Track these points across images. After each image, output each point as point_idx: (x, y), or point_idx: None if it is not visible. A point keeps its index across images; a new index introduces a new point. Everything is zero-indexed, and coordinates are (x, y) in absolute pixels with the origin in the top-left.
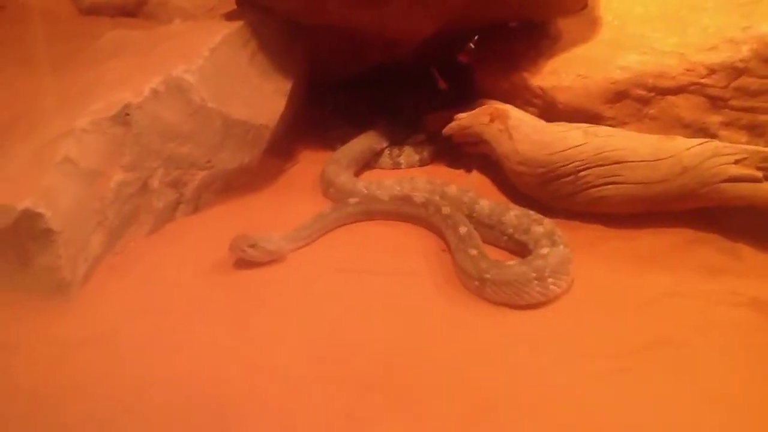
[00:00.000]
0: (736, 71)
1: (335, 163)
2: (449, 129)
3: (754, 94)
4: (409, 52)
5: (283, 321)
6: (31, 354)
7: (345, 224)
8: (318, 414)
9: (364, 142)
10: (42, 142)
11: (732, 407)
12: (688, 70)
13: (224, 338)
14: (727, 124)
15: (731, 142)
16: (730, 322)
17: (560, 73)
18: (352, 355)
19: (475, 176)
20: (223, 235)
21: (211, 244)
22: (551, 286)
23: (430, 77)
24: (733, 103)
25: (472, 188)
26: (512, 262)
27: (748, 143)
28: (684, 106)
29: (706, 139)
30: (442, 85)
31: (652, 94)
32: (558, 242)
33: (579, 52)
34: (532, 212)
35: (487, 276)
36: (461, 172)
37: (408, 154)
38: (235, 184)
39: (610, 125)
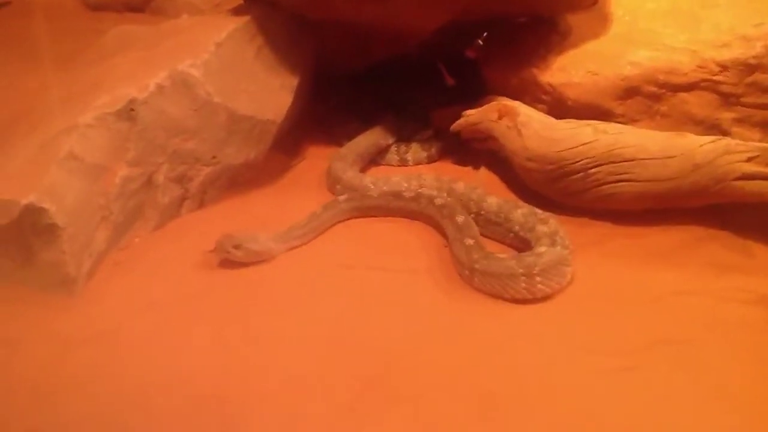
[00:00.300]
0: (749, 68)
1: (342, 159)
2: (457, 125)
3: None
4: (416, 47)
5: (285, 318)
6: (33, 350)
7: (339, 222)
8: (321, 411)
9: (370, 138)
10: (46, 138)
11: (740, 406)
12: (699, 67)
13: (227, 336)
14: (739, 121)
15: (743, 140)
16: (739, 319)
17: (570, 69)
18: (355, 353)
19: (483, 173)
20: (228, 231)
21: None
22: (539, 285)
23: (437, 73)
24: (746, 99)
25: (480, 185)
26: (504, 255)
27: (760, 140)
28: (695, 103)
29: (718, 137)
30: (450, 81)
31: (664, 90)
32: (557, 243)
33: (589, 47)
34: (539, 211)
35: (477, 266)
36: (469, 169)
37: (415, 150)
38: (241, 179)
39: (620, 122)
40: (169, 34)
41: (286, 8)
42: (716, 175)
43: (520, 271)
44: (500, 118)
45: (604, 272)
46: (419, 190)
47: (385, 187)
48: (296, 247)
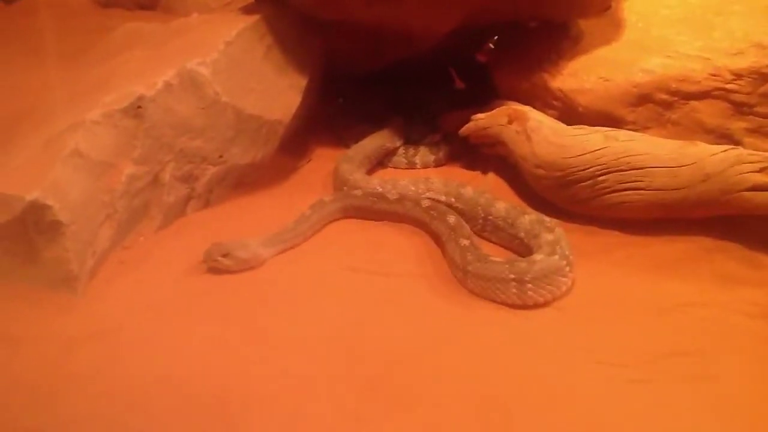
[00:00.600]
0: (763, 77)
1: (349, 161)
2: (466, 129)
3: None
4: (427, 50)
5: (288, 319)
6: (34, 349)
7: (328, 223)
8: (323, 413)
9: (378, 140)
10: (52, 134)
11: (748, 418)
12: (712, 75)
13: (229, 336)
14: (751, 131)
15: (756, 150)
16: (746, 332)
17: (581, 75)
18: (358, 355)
19: (492, 178)
20: (233, 232)
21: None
22: (529, 292)
23: (447, 76)
24: (759, 109)
25: (488, 190)
26: (499, 259)
27: None
28: (707, 112)
29: (729, 146)
30: (460, 84)
31: (675, 98)
32: (556, 252)
33: (601, 54)
34: (547, 219)
35: (470, 268)
36: (477, 173)
37: (423, 153)
38: (247, 180)
39: (631, 129)
40: (179, 32)
41: (296, 8)
42: (727, 186)
43: (512, 276)
44: (510, 122)
45: (611, 281)
46: (403, 192)
47: (393, 191)
48: (287, 250)
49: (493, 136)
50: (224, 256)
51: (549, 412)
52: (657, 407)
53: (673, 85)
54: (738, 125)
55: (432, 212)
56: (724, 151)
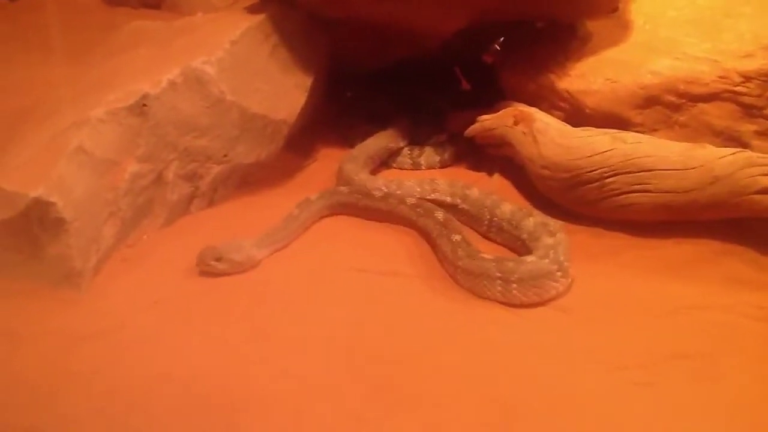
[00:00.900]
0: None
1: (353, 161)
2: (472, 130)
3: None
4: (433, 50)
5: (291, 319)
6: (35, 345)
7: (317, 220)
8: (327, 414)
9: (381, 140)
10: (57, 131)
11: (753, 422)
12: (721, 77)
13: (231, 336)
14: (760, 134)
15: (764, 153)
16: (753, 335)
17: (589, 76)
18: (362, 355)
19: (497, 179)
20: (237, 231)
21: (225, 239)
22: (514, 292)
23: (453, 77)
24: None
25: (495, 191)
26: (489, 256)
27: None
28: (716, 114)
29: (738, 149)
30: (466, 85)
31: (683, 100)
32: (548, 256)
33: (609, 55)
34: (551, 222)
35: (460, 264)
36: (483, 174)
37: (428, 154)
38: (252, 179)
39: (638, 131)
40: (184, 31)
41: (302, 6)
42: (736, 188)
43: (498, 274)
44: (516, 124)
45: (617, 283)
46: (388, 190)
47: (398, 191)
48: (278, 250)
49: (499, 137)
50: (217, 259)
51: (551, 413)
52: (660, 410)
53: (681, 87)
54: (747, 128)
55: (418, 209)
56: (733, 153)
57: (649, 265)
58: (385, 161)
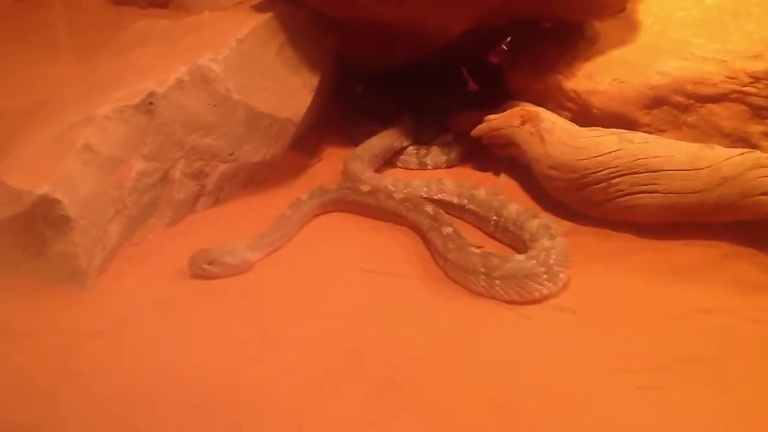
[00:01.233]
0: None
1: (358, 159)
2: (479, 130)
3: None
4: (440, 50)
5: (296, 319)
6: (39, 343)
7: (310, 220)
8: (331, 415)
9: (385, 139)
10: (63, 128)
11: (761, 427)
12: (729, 78)
13: (235, 335)
14: None
15: None
16: (762, 339)
17: (596, 76)
18: (364, 356)
19: (504, 179)
20: (243, 230)
21: (231, 238)
22: (497, 288)
23: (459, 77)
24: None
25: (502, 192)
26: (477, 250)
27: None
28: (724, 115)
29: (746, 149)
30: (472, 85)
31: (692, 101)
32: (538, 258)
33: (616, 55)
34: (554, 226)
35: (449, 256)
36: (489, 174)
37: (435, 154)
38: (258, 178)
39: (646, 132)
40: (191, 29)
41: (309, 5)
42: (744, 190)
43: (482, 269)
44: (523, 124)
45: (624, 285)
46: (376, 186)
47: (405, 190)
48: (273, 252)
49: (506, 137)
50: (210, 263)
51: (555, 415)
52: (665, 414)
53: (689, 88)
54: (755, 128)
55: (407, 204)
56: (741, 154)
57: (657, 268)
58: (389, 160)
